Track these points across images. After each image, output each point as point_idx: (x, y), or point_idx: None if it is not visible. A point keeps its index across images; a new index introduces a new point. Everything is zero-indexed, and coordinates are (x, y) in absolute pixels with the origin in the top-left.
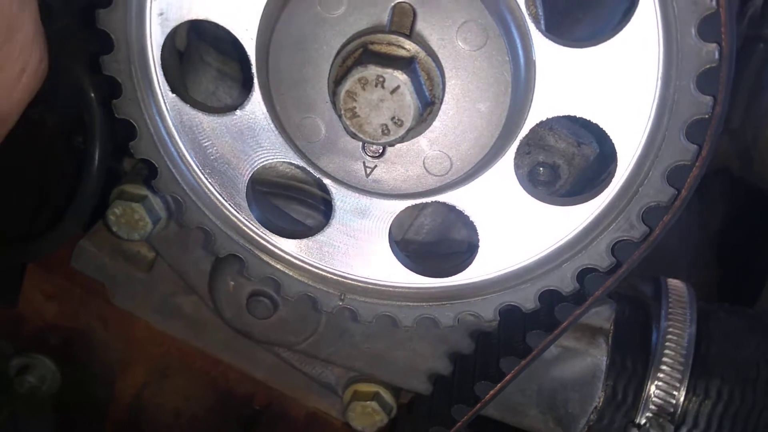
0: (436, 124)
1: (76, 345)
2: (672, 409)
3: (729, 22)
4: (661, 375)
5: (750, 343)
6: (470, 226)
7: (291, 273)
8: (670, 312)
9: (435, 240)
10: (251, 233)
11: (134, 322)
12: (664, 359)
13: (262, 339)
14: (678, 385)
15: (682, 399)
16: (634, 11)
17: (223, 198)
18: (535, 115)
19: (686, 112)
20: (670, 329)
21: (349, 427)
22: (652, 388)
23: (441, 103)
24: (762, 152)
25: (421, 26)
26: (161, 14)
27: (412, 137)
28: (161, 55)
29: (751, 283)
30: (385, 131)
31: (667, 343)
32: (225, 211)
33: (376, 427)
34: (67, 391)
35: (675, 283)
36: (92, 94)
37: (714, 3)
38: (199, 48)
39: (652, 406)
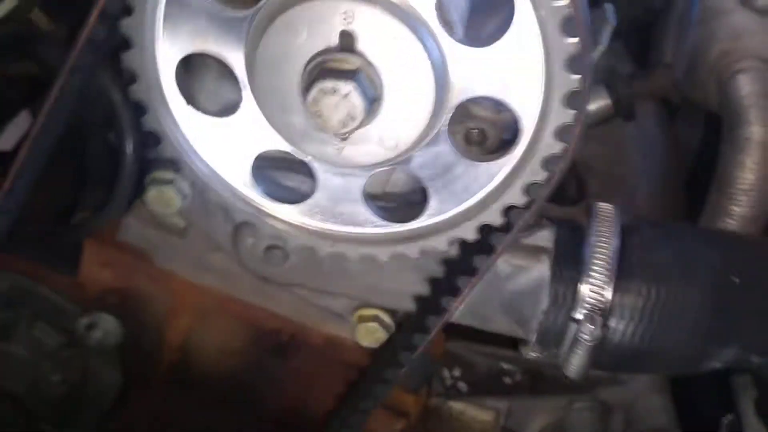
0: (382, 113)
1: (131, 302)
2: (602, 306)
3: (583, 23)
4: (591, 280)
5: (665, 250)
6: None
7: (291, 231)
8: (598, 229)
9: (411, 189)
10: (258, 204)
11: (175, 279)
12: (593, 267)
13: (280, 281)
14: (605, 286)
15: (609, 297)
16: (513, 16)
17: (233, 180)
18: (455, 98)
19: (563, 87)
20: (598, 243)
21: (357, 345)
22: (585, 291)
23: (383, 99)
24: (702, 78)
25: (362, 44)
26: (167, 51)
27: (366, 125)
28: (175, 77)
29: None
30: (344, 125)
31: (595, 254)
32: (236, 189)
33: (378, 342)
34: (129, 341)
35: (603, 206)
36: (118, 100)
37: (569, 8)
38: (199, 58)
39: (586, 305)
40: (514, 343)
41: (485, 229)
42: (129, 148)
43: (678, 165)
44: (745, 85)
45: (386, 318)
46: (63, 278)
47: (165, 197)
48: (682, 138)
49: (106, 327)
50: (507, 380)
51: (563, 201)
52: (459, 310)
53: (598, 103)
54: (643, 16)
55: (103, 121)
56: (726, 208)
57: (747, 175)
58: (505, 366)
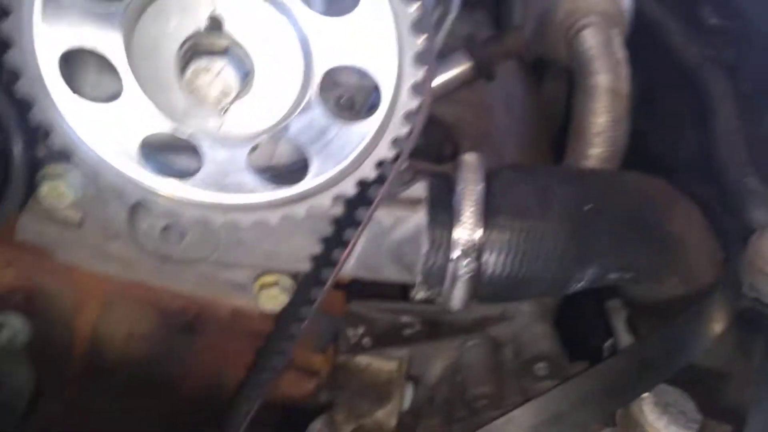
0: (256, 85)
1: (36, 299)
2: (473, 243)
3: None
4: (461, 221)
5: (524, 189)
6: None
7: (183, 206)
8: (464, 177)
9: (296, 159)
10: (150, 184)
11: (77, 271)
12: (462, 210)
13: (180, 260)
14: (475, 226)
15: (479, 235)
16: None
17: (123, 162)
18: (321, 67)
19: (412, 48)
20: (465, 189)
21: (263, 313)
22: (458, 232)
23: (254, 73)
24: (551, 36)
25: (229, 24)
26: (47, 49)
27: (243, 97)
28: (59, 71)
29: None
30: (221, 99)
31: (463, 199)
32: (126, 171)
33: (281, 305)
34: (38, 339)
35: (469, 155)
36: (2, 98)
37: None
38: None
39: (460, 244)
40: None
41: (363, 184)
42: (17, 147)
43: (541, 120)
44: (589, 38)
45: (287, 281)
46: None
47: (58, 191)
48: (551, 97)
49: (14, 326)
50: (407, 332)
51: (441, 161)
52: (351, 265)
53: (460, 67)
54: None
55: None
56: (583, 150)
57: (598, 119)
58: (404, 319)
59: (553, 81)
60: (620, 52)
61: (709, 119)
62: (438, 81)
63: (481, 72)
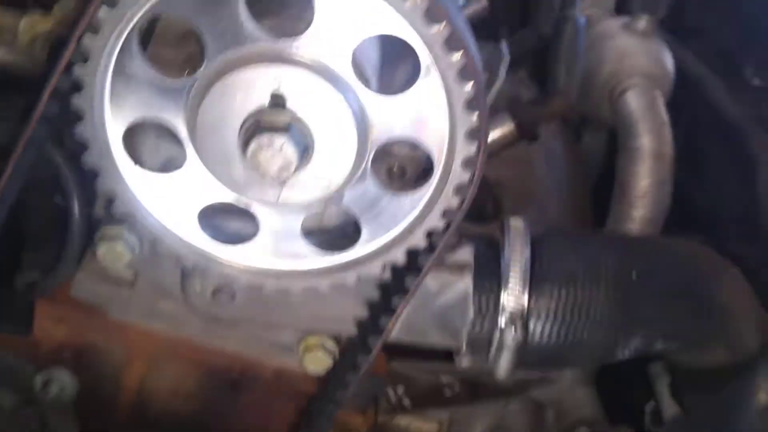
0: (314, 159)
1: (86, 356)
2: (520, 311)
3: (475, 71)
4: (509, 288)
5: (570, 256)
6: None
7: (238, 272)
8: (511, 243)
9: (345, 221)
10: (207, 249)
11: (128, 328)
12: (509, 276)
13: (228, 319)
14: (521, 293)
15: (526, 302)
16: (420, 69)
17: (181, 229)
18: (375, 141)
19: (465, 125)
20: (512, 255)
21: (306, 374)
22: (505, 299)
23: (314, 147)
24: (595, 98)
25: (291, 102)
26: (115, 122)
27: (301, 170)
28: (123, 143)
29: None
30: (281, 172)
31: (510, 265)
32: (184, 237)
33: (326, 368)
34: (84, 394)
35: (515, 221)
36: (62, 163)
37: (464, 60)
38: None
39: (507, 311)
40: (450, 357)
41: (412, 252)
42: (76, 208)
43: (582, 178)
44: (633, 101)
45: (331, 344)
46: (17, 339)
47: (115, 252)
48: (590, 152)
49: (62, 382)
50: (447, 392)
51: (483, 219)
52: (397, 329)
53: (503, 129)
54: (539, 44)
55: (47, 184)
56: (627, 212)
57: (642, 182)
58: (445, 379)
59: (592, 135)
60: (663, 114)
61: (752, 179)
62: None
63: (524, 134)
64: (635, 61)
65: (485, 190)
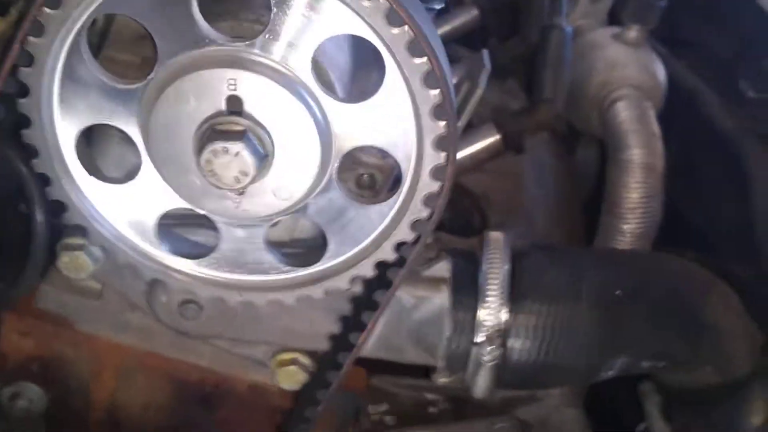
0: (274, 167)
1: (54, 368)
2: (499, 328)
3: (442, 76)
4: (486, 304)
5: (552, 271)
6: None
7: (200, 284)
8: (489, 257)
9: (316, 235)
10: (166, 261)
11: (96, 340)
12: (487, 292)
13: (198, 335)
14: (500, 309)
15: (505, 319)
16: (384, 75)
17: (140, 240)
18: (340, 149)
19: (432, 133)
20: (490, 269)
21: (280, 389)
22: (483, 315)
23: (272, 155)
24: (584, 108)
25: (248, 107)
26: (65, 127)
27: (260, 179)
28: (76, 149)
29: None
30: (238, 180)
31: (488, 280)
32: (143, 248)
33: (300, 383)
34: (54, 408)
35: (494, 234)
36: (25, 172)
37: (428, 65)
38: (103, 125)
39: (484, 328)
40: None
41: (381, 266)
42: (39, 216)
43: (573, 190)
44: (623, 111)
45: (305, 360)
46: None
47: (77, 262)
48: (583, 165)
49: (30, 396)
50: (432, 409)
51: (469, 233)
52: (372, 346)
53: (488, 140)
54: (526, 54)
55: (10, 193)
56: (617, 226)
57: (632, 194)
58: (429, 396)
59: (584, 149)
60: (654, 126)
61: (747, 194)
62: (466, 152)
63: (510, 144)
64: (625, 72)
65: (471, 203)
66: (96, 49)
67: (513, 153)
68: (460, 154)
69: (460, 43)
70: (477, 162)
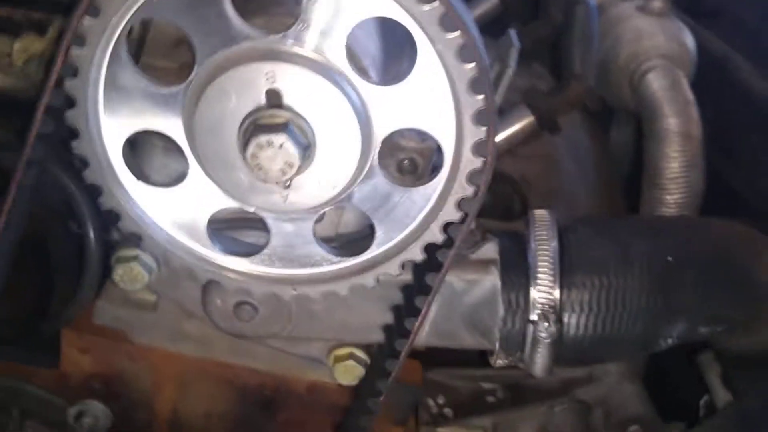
0: (318, 157)
1: (115, 383)
2: (553, 304)
3: (475, 48)
4: (538, 281)
5: (600, 243)
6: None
7: (254, 282)
8: (536, 234)
9: (361, 227)
10: (220, 261)
11: (155, 352)
12: (538, 269)
13: (254, 336)
14: (552, 285)
15: (558, 295)
16: (417, 53)
17: (192, 243)
18: (380, 134)
19: (471, 108)
20: (539, 246)
21: (339, 386)
22: (535, 293)
23: (316, 145)
24: (615, 82)
25: (288, 99)
26: (112, 135)
27: (305, 170)
28: (123, 157)
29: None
30: (284, 172)
31: (538, 257)
32: (196, 251)
33: (358, 378)
34: (119, 423)
35: (540, 212)
36: (74, 189)
37: (462, 38)
38: (145, 135)
39: (538, 305)
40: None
41: (431, 248)
42: (91, 233)
43: (611, 168)
44: (655, 81)
45: (360, 353)
46: (46, 372)
47: (132, 273)
48: (619, 145)
49: (95, 413)
50: (490, 399)
51: (510, 219)
52: (426, 334)
53: (522, 122)
54: (551, 35)
55: (63, 212)
56: (660, 198)
57: (672, 164)
58: (486, 385)
59: (620, 127)
60: (688, 93)
61: None
62: (501, 137)
63: (544, 125)
64: (653, 42)
65: (510, 189)
66: (135, 59)
67: (548, 133)
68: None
69: (481, 33)
70: (512, 145)
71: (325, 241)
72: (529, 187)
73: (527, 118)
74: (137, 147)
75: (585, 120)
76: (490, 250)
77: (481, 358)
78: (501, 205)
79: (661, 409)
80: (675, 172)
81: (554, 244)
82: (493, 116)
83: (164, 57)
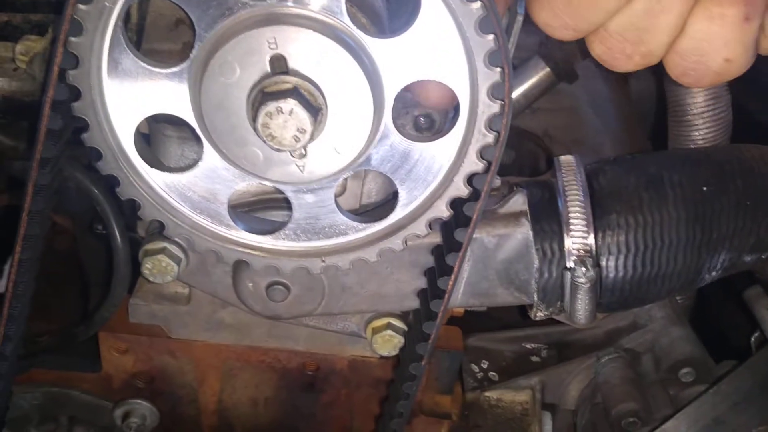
0: (330, 120)
1: (158, 380)
2: (589, 249)
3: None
4: (572, 227)
5: (631, 180)
6: (388, 178)
7: (282, 258)
8: (565, 180)
9: (385, 195)
10: (245, 241)
11: (194, 345)
12: (570, 215)
13: (290, 316)
14: (586, 230)
15: (593, 238)
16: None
17: (216, 225)
18: (390, 90)
19: (482, 50)
20: (568, 192)
21: (381, 358)
22: (569, 240)
23: (327, 108)
24: None
25: (293, 63)
26: (121, 118)
27: (318, 136)
28: (135, 145)
29: None
30: (297, 139)
31: (568, 203)
32: (221, 233)
33: (398, 348)
34: (167, 420)
35: (565, 157)
36: (95, 190)
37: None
38: (158, 127)
39: (574, 252)
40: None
41: (457, 203)
42: (116, 231)
43: (634, 114)
44: None
45: (398, 322)
46: (90, 376)
47: (161, 266)
48: (640, 89)
49: (142, 412)
50: (534, 358)
51: (537, 175)
52: (462, 294)
53: (538, 74)
54: None
55: (87, 216)
56: (687, 135)
57: (696, 98)
58: (529, 346)
59: (638, 80)
60: None
61: None
62: (518, 92)
63: (561, 75)
64: None
65: (534, 145)
66: (136, 45)
67: (566, 83)
68: (513, 95)
69: None
70: (531, 100)
71: (350, 212)
72: (552, 140)
73: (543, 70)
74: (152, 140)
75: (601, 68)
76: (518, 202)
77: (522, 317)
78: (527, 162)
79: (712, 350)
80: (701, 107)
81: (584, 187)
82: (506, 55)
83: (166, 39)
